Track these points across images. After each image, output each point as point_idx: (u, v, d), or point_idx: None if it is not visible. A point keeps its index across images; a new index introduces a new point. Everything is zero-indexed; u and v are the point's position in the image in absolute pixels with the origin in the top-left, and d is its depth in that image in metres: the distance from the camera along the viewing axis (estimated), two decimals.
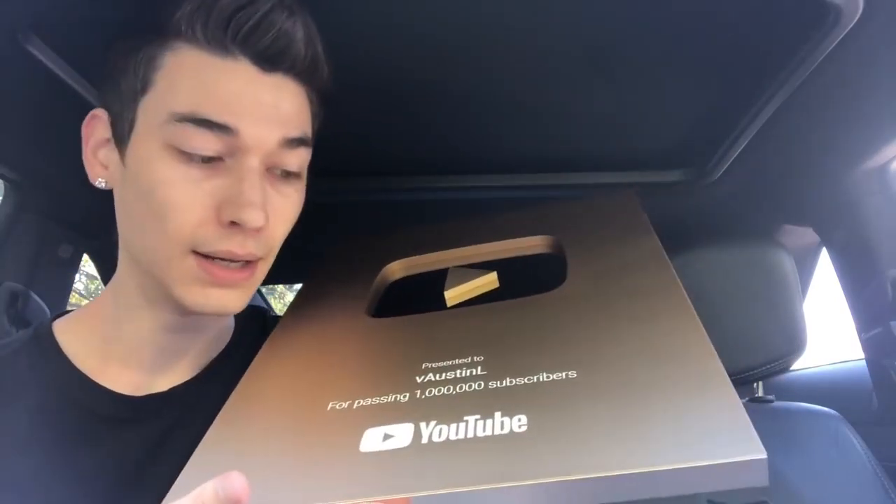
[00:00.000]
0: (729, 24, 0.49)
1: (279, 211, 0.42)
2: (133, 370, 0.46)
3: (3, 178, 0.72)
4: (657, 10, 0.47)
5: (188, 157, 0.38)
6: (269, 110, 0.39)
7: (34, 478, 0.40)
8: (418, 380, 0.35)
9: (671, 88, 0.60)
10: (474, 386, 0.33)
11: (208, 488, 0.27)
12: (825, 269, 1.06)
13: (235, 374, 0.48)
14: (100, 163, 0.43)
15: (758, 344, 0.79)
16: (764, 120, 0.61)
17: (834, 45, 0.47)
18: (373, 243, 0.60)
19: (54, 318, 0.48)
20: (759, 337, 0.78)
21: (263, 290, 1.86)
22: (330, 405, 0.35)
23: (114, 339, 0.46)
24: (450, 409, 0.32)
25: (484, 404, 0.31)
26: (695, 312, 0.36)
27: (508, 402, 0.31)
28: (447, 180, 0.78)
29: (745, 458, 0.25)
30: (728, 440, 0.26)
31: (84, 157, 0.44)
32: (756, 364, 0.79)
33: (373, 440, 0.31)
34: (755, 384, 0.90)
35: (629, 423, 0.28)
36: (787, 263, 0.79)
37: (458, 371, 0.35)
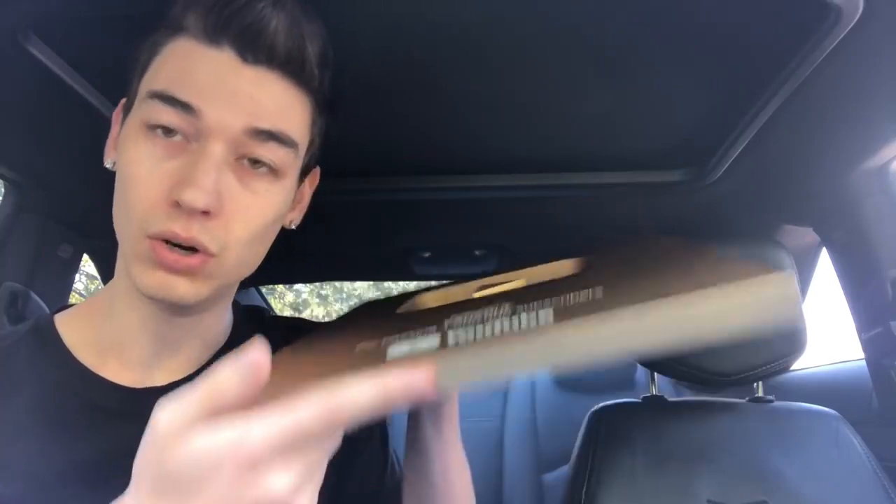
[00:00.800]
0: (729, 24, 0.49)
1: (241, 205, 0.41)
2: (128, 364, 0.46)
3: (3, 178, 0.73)
4: (657, 11, 0.47)
5: (154, 134, 0.39)
6: (240, 98, 0.39)
7: (33, 468, 0.41)
8: (447, 321, 0.34)
9: (671, 88, 0.60)
10: (502, 311, 0.32)
11: (226, 363, 0.26)
12: (825, 269, 1.06)
13: None
14: (114, 146, 0.45)
15: (758, 344, 0.79)
16: (764, 120, 0.61)
17: (834, 45, 0.47)
18: (400, 299, 0.61)
19: (55, 312, 0.48)
20: (759, 337, 0.78)
21: (263, 290, 1.86)
22: (359, 347, 0.34)
23: (108, 333, 0.46)
24: (476, 324, 0.31)
25: (510, 315, 0.31)
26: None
27: (534, 308, 0.30)
28: (447, 180, 0.78)
29: (773, 274, 0.24)
30: (754, 269, 0.25)
31: (107, 142, 0.46)
32: (756, 364, 0.79)
33: (398, 351, 0.30)
34: (755, 384, 0.90)
35: (654, 287, 0.27)
36: (787, 263, 0.79)
37: (487, 310, 0.34)
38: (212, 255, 0.40)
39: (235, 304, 0.53)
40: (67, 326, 0.47)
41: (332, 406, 0.25)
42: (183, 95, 0.38)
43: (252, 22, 0.39)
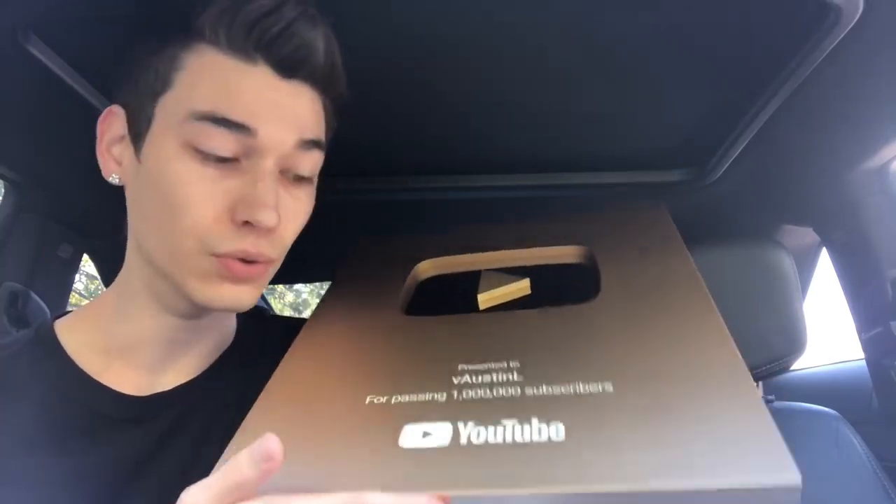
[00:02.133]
0: (729, 24, 0.49)
1: (290, 213, 0.43)
2: (136, 369, 0.46)
3: (3, 178, 0.72)
4: (657, 11, 0.47)
5: (205, 156, 0.39)
6: (286, 112, 0.40)
7: (37, 477, 0.41)
8: (455, 381, 0.35)
9: (671, 89, 0.60)
10: (511, 391, 0.34)
11: (243, 453, 0.28)
12: (825, 269, 1.06)
13: (238, 372, 0.48)
14: (113, 159, 0.44)
15: (758, 344, 0.79)
16: (764, 120, 0.61)
17: (834, 45, 0.47)
18: (401, 244, 0.60)
19: (55, 318, 0.48)
20: (759, 337, 0.78)
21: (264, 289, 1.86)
22: (368, 399, 0.35)
23: (117, 337, 0.46)
24: (487, 412, 0.32)
25: (521, 410, 0.32)
26: (729, 334, 0.36)
27: (545, 410, 0.32)
28: (448, 180, 0.78)
29: (780, 484, 0.25)
30: (765, 463, 0.26)
31: (98, 153, 0.44)
32: (756, 364, 0.79)
33: (412, 436, 0.32)
34: (755, 384, 0.90)
35: (666, 440, 0.28)
36: (787, 263, 0.79)
37: (495, 375, 0.35)
38: (272, 260, 0.43)
39: None
40: (69, 332, 0.46)
41: None
42: (236, 116, 0.38)
43: (299, 45, 0.40)
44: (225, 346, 0.51)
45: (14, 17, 0.46)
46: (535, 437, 0.30)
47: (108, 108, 0.44)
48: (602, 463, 0.28)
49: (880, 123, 0.63)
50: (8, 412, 0.42)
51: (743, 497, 0.25)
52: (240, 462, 0.28)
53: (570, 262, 0.53)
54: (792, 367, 0.82)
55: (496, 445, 0.30)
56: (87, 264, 1.03)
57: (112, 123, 0.44)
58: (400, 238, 0.61)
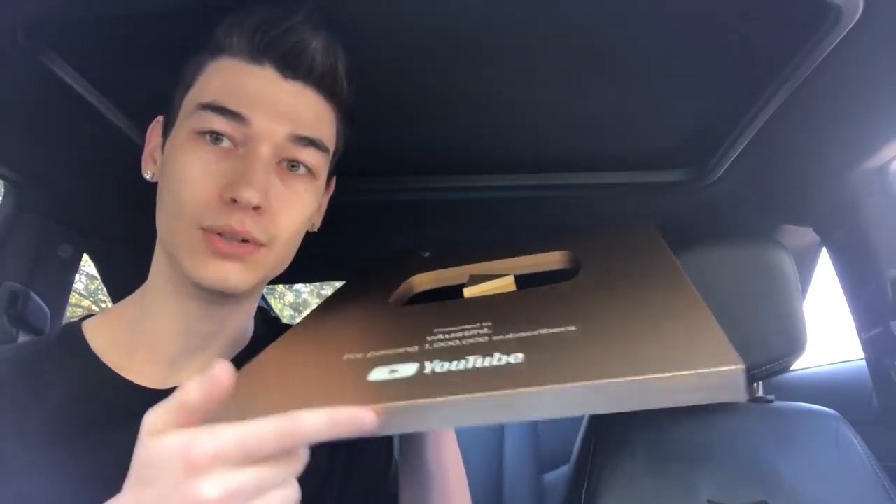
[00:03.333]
0: (729, 24, 0.49)
1: (283, 200, 0.45)
2: (156, 363, 0.47)
3: (3, 178, 0.73)
4: (657, 11, 0.47)
5: (204, 141, 0.43)
6: (282, 107, 0.44)
7: (61, 470, 0.42)
8: (428, 338, 0.38)
9: (671, 89, 0.60)
10: (479, 340, 0.36)
11: (194, 379, 0.30)
12: (825, 269, 1.06)
13: None
14: (152, 159, 0.49)
15: (758, 344, 0.79)
16: (764, 120, 0.61)
17: (834, 45, 0.47)
18: (402, 261, 0.63)
19: (83, 319, 0.50)
20: (759, 337, 0.78)
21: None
22: (346, 356, 0.37)
23: (139, 332, 0.48)
24: (454, 353, 0.34)
25: (486, 349, 0.34)
26: (694, 290, 0.37)
27: (508, 346, 0.33)
28: (448, 180, 0.78)
29: (724, 368, 0.27)
30: (709, 354, 0.28)
31: (144, 156, 0.49)
32: (756, 364, 0.79)
33: (379, 373, 0.33)
34: (755, 384, 0.90)
35: (619, 352, 0.30)
36: (787, 263, 0.79)
37: (467, 331, 0.38)
38: (262, 245, 0.44)
39: (258, 312, 0.56)
40: (95, 331, 0.49)
41: (284, 429, 0.29)
42: (233, 106, 0.43)
43: (295, 44, 0.44)
44: (241, 348, 0.53)
45: (14, 17, 0.46)
46: (496, 363, 0.31)
47: (156, 118, 0.49)
48: (556, 372, 0.29)
49: (880, 123, 0.63)
50: (36, 406, 0.44)
51: (693, 386, 0.27)
52: (189, 386, 0.30)
53: (556, 268, 0.55)
54: (792, 367, 0.82)
55: (458, 371, 0.31)
56: (87, 264, 1.03)
57: (155, 131, 0.49)
58: (399, 256, 0.64)
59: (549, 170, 0.77)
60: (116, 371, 0.46)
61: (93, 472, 0.42)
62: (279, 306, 6.20)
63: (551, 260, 0.55)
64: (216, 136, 0.43)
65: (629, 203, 0.83)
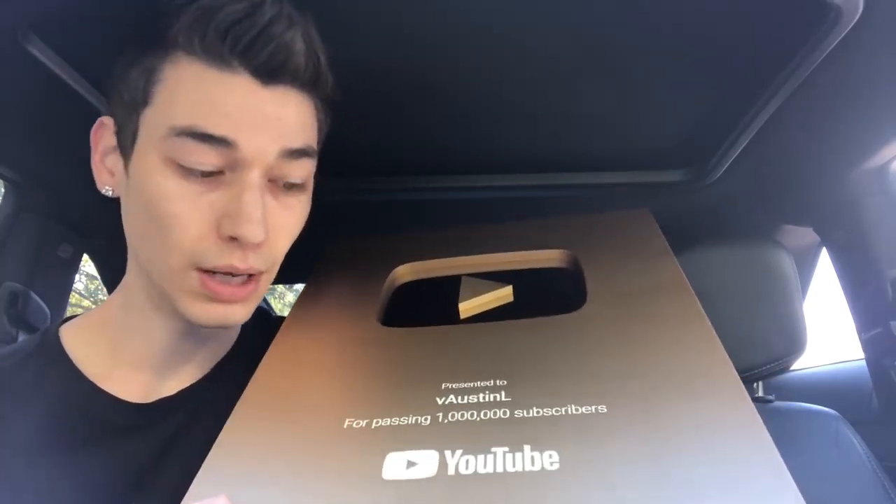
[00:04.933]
0: (729, 24, 0.49)
1: (281, 224, 0.41)
2: (140, 375, 0.46)
3: (3, 178, 0.72)
4: (657, 10, 0.47)
5: (188, 171, 0.38)
6: (269, 122, 0.38)
7: (42, 486, 0.40)
8: (439, 401, 0.34)
9: (671, 88, 0.60)
10: (499, 413, 0.32)
11: None
12: (825, 269, 1.06)
13: (241, 374, 0.48)
14: (107, 170, 0.43)
15: (758, 344, 0.79)
16: (764, 120, 0.61)
17: (834, 45, 0.47)
18: (379, 245, 0.59)
19: (60, 324, 0.48)
20: (759, 337, 0.78)
21: None
22: (346, 422, 0.34)
23: (123, 343, 0.46)
24: (475, 438, 0.30)
25: (511, 435, 0.30)
26: (720, 343, 0.35)
27: (537, 436, 0.30)
28: (446, 180, 0.78)
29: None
30: (765, 489, 0.25)
31: (93, 164, 0.44)
32: (756, 364, 0.79)
33: (396, 467, 0.30)
34: (755, 384, 0.90)
35: (662, 466, 0.27)
36: (787, 263, 0.79)
37: (481, 395, 0.34)
38: (262, 274, 0.42)
39: None
40: (74, 340, 0.46)
41: None
42: (216, 130, 0.37)
43: (276, 49, 0.37)
44: (227, 349, 0.51)
45: (14, 17, 0.46)
46: (528, 467, 0.28)
47: (100, 119, 0.43)
48: (596, 495, 0.26)
49: (880, 123, 0.63)
50: (14, 420, 0.42)
51: None
52: None
53: (552, 266, 0.52)
54: (792, 367, 0.82)
55: (486, 476, 0.28)
56: (87, 264, 1.03)
57: (104, 135, 0.43)
58: (377, 238, 0.59)
59: (549, 170, 0.77)
60: (98, 385, 0.44)
61: (77, 487, 0.41)
62: (279, 306, 6.19)
63: (548, 258, 0.52)
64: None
65: (629, 203, 0.83)
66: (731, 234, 0.82)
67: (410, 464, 0.30)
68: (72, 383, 0.44)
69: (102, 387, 0.44)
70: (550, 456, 0.28)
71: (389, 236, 0.60)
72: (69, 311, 0.89)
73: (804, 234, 0.90)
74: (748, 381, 0.83)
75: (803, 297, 1.10)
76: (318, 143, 0.45)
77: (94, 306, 0.51)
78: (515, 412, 0.32)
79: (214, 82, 0.37)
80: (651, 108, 0.63)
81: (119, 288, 0.48)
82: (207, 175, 0.38)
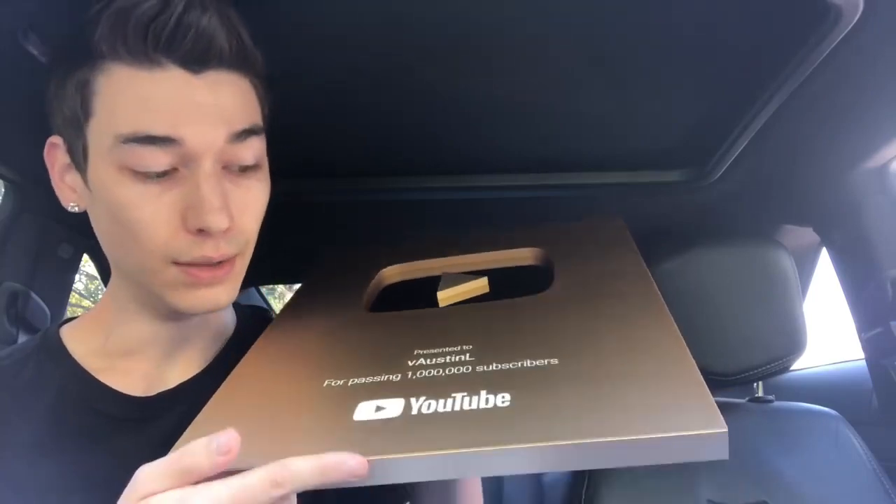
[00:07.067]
0: (729, 24, 0.49)
1: (244, 206, 0.42)
2: (139, 369, 0.47)
3: (3, 178, 0.73)
4: (657, 11, 0.47)
5: (143, 175, 0.38)
6: (208, 110, 0.39)
7: (45, 480, 0.41)
8: (410, 363, 0.38)
9: (671, 89, 0.60)
10: (462, 369, 0.36)
11: (201, 441, 0.29)
12: (825, 269, 1.06)
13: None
14: (68, 187, 0.44)
15: (758, 344, 0.79)
16: (764, 120, 0.61)
17: (834, 45, 0.47)
18: (370, 250, 0.62)
19: (61, 325, 0.49)
20: (759, 337, 0.78)
21: (264, 290, 1.86)
22: (326, 382, 0.37)
23: (118, 341, 0.47)
24: (438, 387, 0.34)
25: (470, 384, 0.34)
26: (669, 313, 0.38)
27: (493, 383, 0.34)
28: (445, 180, 0.78)
29: (706, 431, 0.27)
30: (692, 415, 0.28)
31: (53, 184, 0.44)
32: (756, 364, 0.79)
33: (366, 411, 0.33)
34: (755, 384, 0.90)
35: (603, 401, 0.31)
36: (787, 263, 0.79)
37: (448, 357, 0.38)
38: (236, 256, 0.43)
39: (241, 304, 0.55)
40: (74, 338, 0.47)
41: (276, 480, 0.29)
42: (158, 131, 0.37)
43: (197, 36, 0.37)
44: (225, 338, 0.52)
45: (14, 17, 0.46)
46: (483, 405, 0.32)
47: (49, 139, 0.43)
48: (543, 422, 0.30)
49: (880, 123, 0.63)
50: (16, 415, 0.43)
51: (675, 447, 0.27)
52: (196, 449, 0.29)
53: (527, 263, 0.55)
54: (792, 367, 0.83)
55: (445, 414, 0.32)
56: (87, 264, 1.03)
57: (56, 154, 0.43)
58: (367, 246, 0.64)
59: (549, 170, 0.77)
60: (101, 380, 0.45)
61: (80, 481, 0.41)
62: (279, 306, 6.19)
63: (523, 256, 0.55)
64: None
65: (629, 203, 0.83)
66: (732, 234, 0.83)
67: (379, 408, 0.33)
68: (73, 378, 0.45)
69: (104, 381, 0.45)
70: (503, 397, 0.32)
71: (378, 244, 0.64)
72: (69, 311, 0.89)
73: (804, 234, 0.90)
74: (748, 380, 0.83)
75: (803, 297, 1.10)
76: (263, 119, 0.45)
77: (94, 306, 0.52)
78: (477, 368, 0.36)
79: (146, 83, 0.38)
80: (651, 108, 0.63)
81: (107, 291, 0.49)
82: (162, 175, 0.39)
